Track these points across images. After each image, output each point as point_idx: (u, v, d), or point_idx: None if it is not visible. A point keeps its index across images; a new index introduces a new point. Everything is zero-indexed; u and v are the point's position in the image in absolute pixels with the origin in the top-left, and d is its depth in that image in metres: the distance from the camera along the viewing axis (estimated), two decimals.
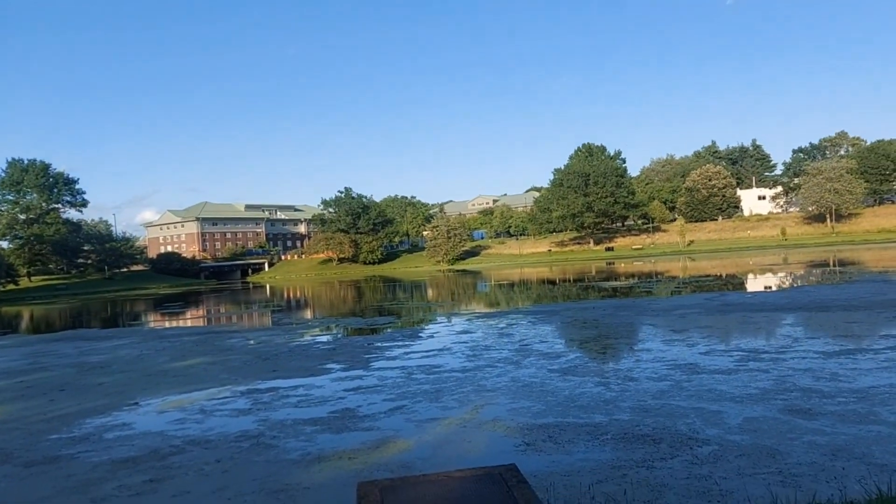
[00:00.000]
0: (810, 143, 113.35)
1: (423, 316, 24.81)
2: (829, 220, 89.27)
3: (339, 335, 19.84)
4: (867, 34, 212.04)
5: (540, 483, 5.88)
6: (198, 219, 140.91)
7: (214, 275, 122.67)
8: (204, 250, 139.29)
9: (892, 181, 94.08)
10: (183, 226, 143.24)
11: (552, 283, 44.02)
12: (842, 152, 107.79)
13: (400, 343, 16.55)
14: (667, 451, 6.66)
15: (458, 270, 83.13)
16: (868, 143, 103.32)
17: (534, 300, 30.06)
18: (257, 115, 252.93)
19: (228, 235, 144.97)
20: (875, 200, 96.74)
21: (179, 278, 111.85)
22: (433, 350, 14.88)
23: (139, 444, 8.47)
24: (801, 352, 11.52)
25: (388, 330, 20.35)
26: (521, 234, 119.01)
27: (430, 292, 43.67)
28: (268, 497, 6.27)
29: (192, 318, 33.76)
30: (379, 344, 16.65)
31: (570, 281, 43.92)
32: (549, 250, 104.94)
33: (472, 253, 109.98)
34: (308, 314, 32.16)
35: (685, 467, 6.14)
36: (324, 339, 19.02)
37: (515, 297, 33.57)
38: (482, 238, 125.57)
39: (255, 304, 45.17)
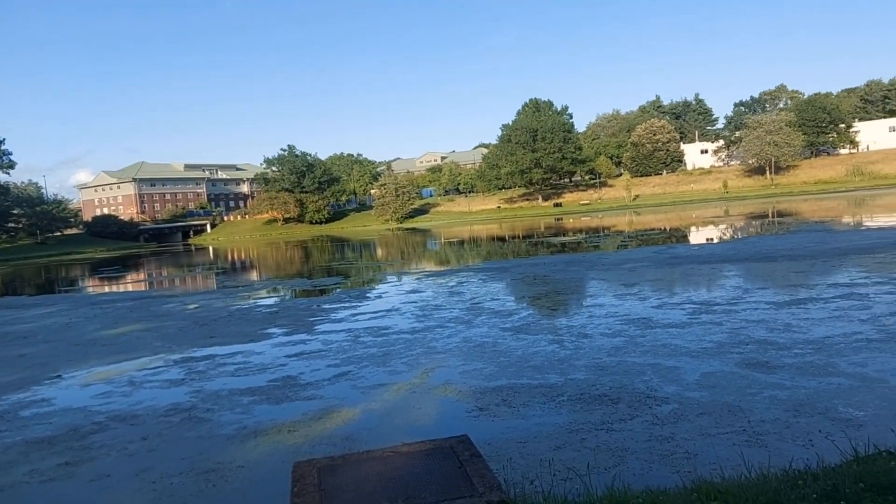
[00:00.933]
0: (751, 96, 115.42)
1: (372, 276, 24.21)
2: (768, 173, 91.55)
3: (283, 297, 19.11)
4: None
5: (495, 453, 5.48)
6: (135, 179, 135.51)
7: (154, 237, 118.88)
8: (142, 212, 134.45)
9: (829, 133, 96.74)
10: (119, 187, 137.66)
11: (502, 239, 43.84)
12: (781, 105, 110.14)
13: (346, 304, 15.96)
14: (626, 411, 6.34)
15: (407, 229, 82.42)
16: (806, 97, 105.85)
17: (484, 257, 29.76)
18: (196, 73, 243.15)
19: (168, 196, 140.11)
20: (812, 153, 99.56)
21: (117, 241, 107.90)
22: (381, 311, 14.36)
23: (58, 422, 7.74)
24: (752, 303, 11.44)
25: (335, 291, 19.71)
26: (469, 192, 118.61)
27: (378, 251, 42.99)
28: (196, 478, 5.70)
29: (128, 283, 32.31)
30: (324, 306, 16.03)
31: (519, 237, 43.83)
32: (498, 207, 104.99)
33: (421, 211, 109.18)
34: (251, 276, 31.14)
35: (646, 428, 5.83)
36: (267, 301, 18.27)
37: (465, 254, 33.23)
38: (431, 196, 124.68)
39: (196, 266, 43.67)
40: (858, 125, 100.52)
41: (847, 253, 17.27)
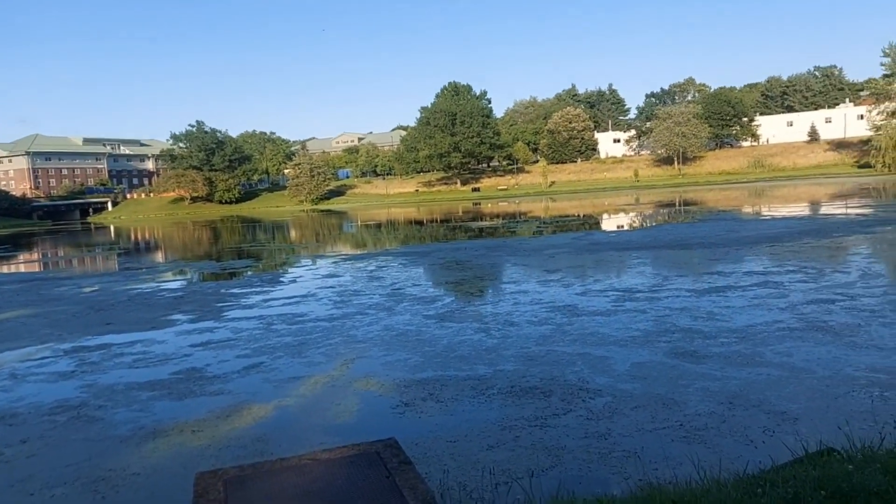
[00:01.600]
0: (661, 88, 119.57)
1: (285, 259, 23.25)
2: (676, 163, 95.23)
3: (189, 281, 17.98)
4: None
5: (423, 454, 5.04)
6: (28, 153, 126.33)
7: (49, 215, 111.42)
8: (37, 188, 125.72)
9: (732, 126, 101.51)
10: (10, 161, 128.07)
11: (420, 223, 43.43)
12: (689, 98, 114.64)
13: (258, 289, 15.11)
14: (558, 405, 6.04)
15: (322, 210, 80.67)
16: (712, 90, 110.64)
17: (403, 241, 29.25)
18: (99, 42, 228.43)
19: (65, 172, 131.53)
20: (716, 144, 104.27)
21: (8, 219, 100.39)
22: (296, 296, 13.63)
23: None
24: (673, 290, 11.49)
25: (246, 274, 18.72)
26: (387, 174, 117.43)
27: (292, 233, 41.67)
28: (83, 490, 4.98)
29: (16, 264, 29.83)
30: (234, 290, 15.11)
31: (438, 221, 43.54)
32: (417, 190, 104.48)
33: (338, 192, 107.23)
34: (155, 258, 29.40)
35: (581, 424, 5.53)
36: (171, 285, 17.11)
37: (384, 238, 32.60)
38: (348, 177, 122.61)
39: (95, 246, 41.00)
40: (760, 119, 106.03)
41: (757, 241, 17.85)
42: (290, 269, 19.45)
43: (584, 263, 15.91)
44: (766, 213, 28.67)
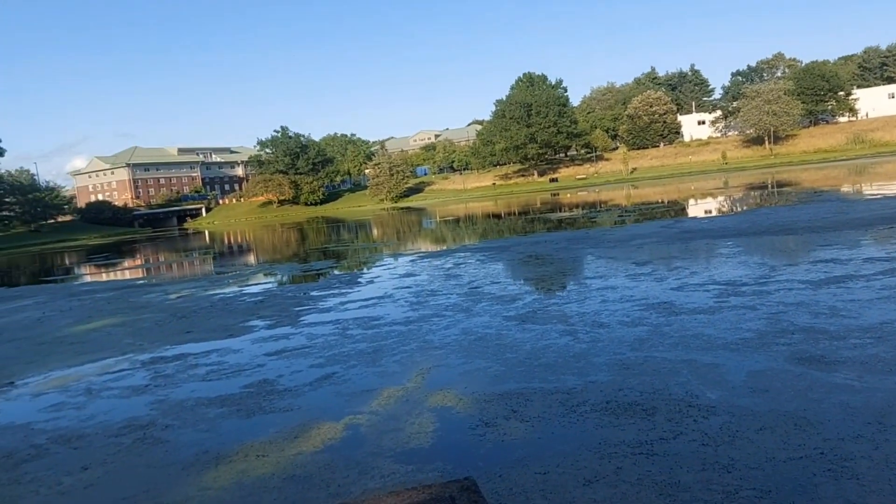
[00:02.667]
0: (748, 65, 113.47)
1: (364, 258, 23.03)
2: (767, 143, 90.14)
3: (271, 284, 17.93)
4: None
5: (508, 490, 4.33)
6: (128, 165, 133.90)
7: (149, 222, 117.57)
8: (137, 197, 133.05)
9: (827, 102, 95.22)
10: (113, 173, 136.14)
11: (498, 216, 42.62)
12: (778, 74, 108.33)
13: (336, 291, 14.79)
14: (665, 426, 5.20)
15: (402, 208, 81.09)
16: (804, 64, 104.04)
17: (481, 236, 28.57)
18: (189, 56, 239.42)
19: (162, 181, 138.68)
20: (810, 121, 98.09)
21: (111, 228, 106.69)
22: (373, 298, 13.19)
23: None
24: (783, 282, 10.28)
25: (326, 276, 18.53)
26: (464, 169, 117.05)
27: (372, 232, 41.79)
28: None
29: (116, 271, 31.07)
30: (313, 293, 14.85)
31: (516, 214, 42.61)
32: (494, 184, 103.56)
33: (416, 190, 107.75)
34: (242, 261, 29.93)
35: (695, 451, 4.68)
36: (253, 289, 17.09)
37: (461, 233, 32.03)
38: (425, 174, 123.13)
39: (188, 251, 42.45)
40: (857, 92, 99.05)
41: (872, 223, 16.11)
42: (367, 269, 19.14)
43: (676, 254, 14.74)
44: (874, 192, 26.21)
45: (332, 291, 14.79)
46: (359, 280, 16.45)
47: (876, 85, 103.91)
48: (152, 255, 42.68)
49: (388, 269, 18.39)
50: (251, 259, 30.84)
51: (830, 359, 6.37)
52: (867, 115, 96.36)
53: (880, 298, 8.53)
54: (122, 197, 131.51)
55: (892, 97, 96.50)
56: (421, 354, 8.33)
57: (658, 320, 8.72)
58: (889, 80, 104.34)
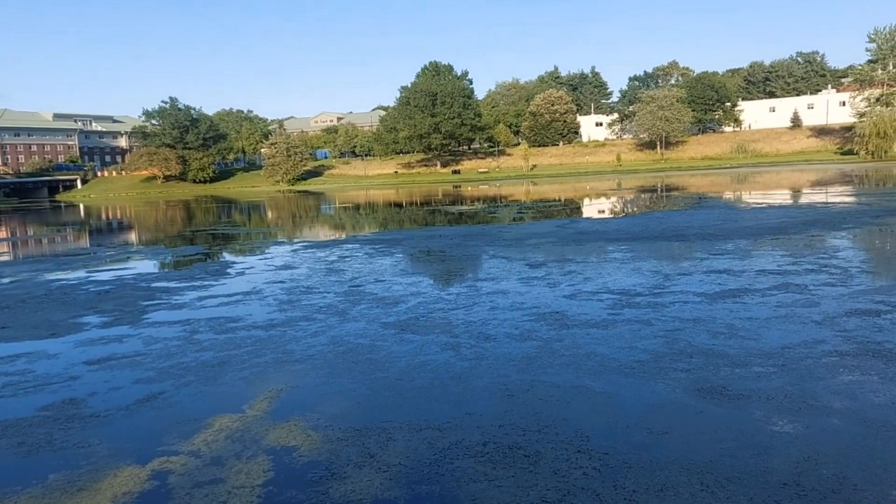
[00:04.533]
0: (644, 71, 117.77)
1: (243, 244, 21.19)
2: (659, 147, 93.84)
3: (127, 270, 15.86)
4: None
5: None
6: None
7: (15, 192, 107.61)
8: (4, 164, 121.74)
9: (715, 111, 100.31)
10: None
11: (398, 206, 41.40)
12: (672, 81, 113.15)
13: (198, 283, 13.11)
14: (550, 481, 4.21)
15: (298, 191, 78.22)
16: (695, 74, 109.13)
17: (375, 226, 27.27)
18: (71, 12, 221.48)
19: (34, 148, 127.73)
20: (699, 129, 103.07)
21: None
22: (238, 294, 11.67)
23: None
24: (678, 294, 9.71)
25: (193, 263, 16.67)
26: (366, 155, 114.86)
27: (261, 215, 39.49)
28: None
29: None
30: (170, 284, 13.10)
31: (416, 204, 41.55)
32: (396, 172, 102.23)
33: (315, 173, 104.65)
34: (109, 240, 27.08)
35: None
36: (104, 275, 15.02)
37: (355, 221, 30.58)
38: (326, 157, 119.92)
39: (52, 226, 38.47)
40: (742, 104, 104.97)
41: (760, 233, 16.16)
42: (242, 258, 17.42)
43: (571, 256, 14.10)
44: (759, 201, 27.06)
45: (192, 283, 13.10)
46: (228, 270, 14.79)
47: (759, 98, 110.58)
48: (6, 229, 38.37)
49: (266, 258, 16.78)
50: (119, 239, 28.04)
51: (734, 391, 5.63)
52: (750, 126, 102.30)
53: (777, 318, 8.02)
54: None
55: (773, 111, 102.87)
56: (275, 370, 7.03)
57: (549, 334, 7.83)
58: (771, 95, 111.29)
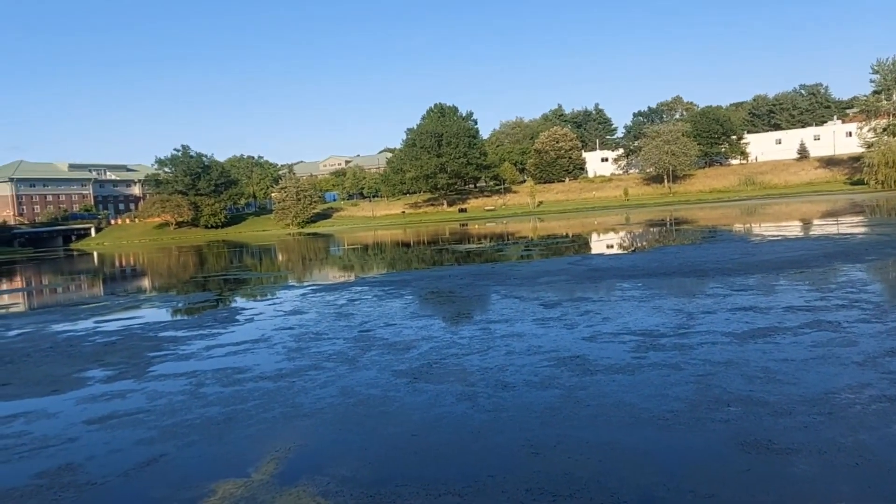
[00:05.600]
0: (648, 106, 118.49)
1: (252, 289, 20.91)
2: (666, 181, 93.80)
3: (135, 319, 15.55)
4: (699, 5, 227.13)
5: None
6: (11, 179, 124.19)
7: (31, 241, 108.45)
8: (20, 214, 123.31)
9: (721, 144, 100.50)
10: None
11: (406, 246, 41.21)
12: (677, 116, 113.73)
13: (206, 331, 12.78)
14: None
15: (308, 234, 78.40)
16: (700, 108, 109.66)
17: (384, 267, 26.98)
18: (86, 67, 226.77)
19: (50, 198, 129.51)
20: (706, 162, 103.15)
21: None
22: (246, 342, 11.31)
23: None
24: (705, 334, 9.28)
25: (202, 310, 16.37)
26: (374, 196, 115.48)
27: (272, 258, 39.32)
28: None
29: None
30: (178, 333, 12.77)
31: (423, 243, 41.34)
32: (403, 212, 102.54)
33: (324, 215, 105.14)
34: (120, 287, 26.88)
35: None
36: (111, 325, 14.72)
37: (364, 263, 30.32)
38: (334, 200, 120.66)
39: (65, 275, 38.44)
40: (748, 137, 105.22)
41: (780, 267, 15.72)
42: (251, 303, 17.11)
43: (587, 295, 13.70)
44: (773, 233, 26.64)
45: (201, 332, 12.76)
46: (236, 317, 14.46)
47: (764, 131, 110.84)
48: (20, 279, 38.34)
49: (275, 304, 16.46)
50: (131, 286, 27.85)
51: (781, 445, 5.19)
52: (756, 158, 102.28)
53: (815, 359, 7.57)
54: (3, 213, 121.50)
55: (779, 143, 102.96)
56: (284, 426, 6.63)
57: (571, 381, 7.41)
58: (776, 127, 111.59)
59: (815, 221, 33.15)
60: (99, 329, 14.26)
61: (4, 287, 31.65)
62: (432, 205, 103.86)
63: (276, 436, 6.33)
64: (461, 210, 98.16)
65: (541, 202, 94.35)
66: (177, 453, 6.07)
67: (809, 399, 6.20)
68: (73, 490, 5.37)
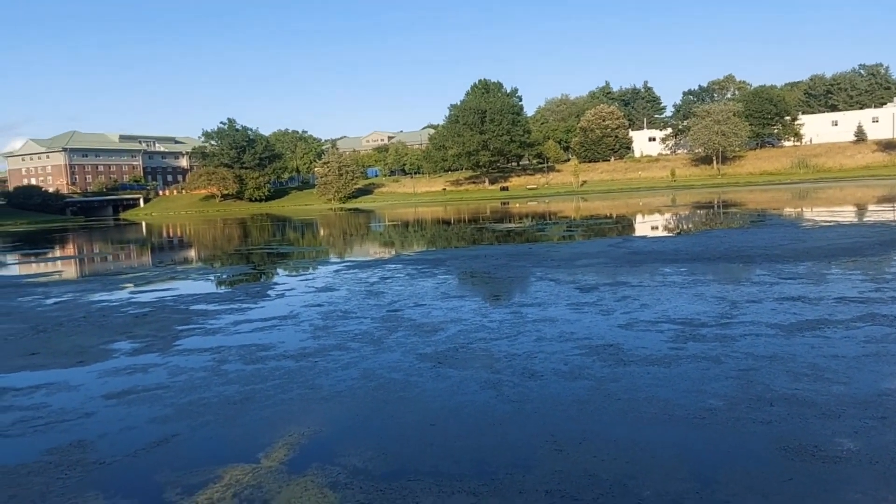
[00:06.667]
0: (699, 85, 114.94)
1: (288, 264, 20.92)
2: (715, 162, 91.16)
3: (169, 291, 15.62)
4: None
5: None
6: (65, 149, 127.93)
7: (82, 210, 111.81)
8: (73, 184, 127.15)
9: (774, 125, 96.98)
10: (48, 157, 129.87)
11: (444, 223, 40.93)
12: (728, 95, 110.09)
13: (237, 305, 12.72)
14: None
15: (349, 209, 78.77)
16: (753, 88, 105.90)
17: (420, 244, 26.75)
18: (138, 40, 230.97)
19: (101, 168, 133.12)
20: (757, 144, 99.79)
21: (41, 214, 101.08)
22: (273, 318, 11.19)
23: None
24: (749, 325, 8.75)
25: (236, 284, 16.39)
26: (416, 173, 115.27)
27: (312, 233, 39.50)
28: None
29: (16, 264, 28.03)
30: (209, 307, 12.73)
31: (462, 221, 40.99)
32: (444, 189, 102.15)
33: (366, 191, 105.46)
34: (162, 258, 27.29)
35: None
36: (146, 296, 14.81)
37: (401, 239, 30.15)
38: (376, 176, 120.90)
39: (113, 244, 39.33)
40: (803, 118, 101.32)
41: (832, 254, 14.92)
42: (284, 278, 17.08)
43: (625, 279, 13.19)
44: (826, 219, 25.46)
45: (231, 306, 12.70)
46: (268, 292, 14.38)
47: (820, 112, 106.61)
48: (70, 247, 39.37)
49: (307, 279, 16.37)
50: (173, 257, 28.26)
51: (828, 452, 4.73)
52: (811, 140, 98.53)
53: (868, 356, 7.02)
54: (56, 182, 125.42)
55: (836, 125, 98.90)
56: (300, 408, 6.43)
57: (602, 372, 7.02)
58: (833, 108, 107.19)
59: (871, 207, 31.65)
60: (133, 300, 14.36)
61: (56, 254, 32.49)
62: (474, 182, 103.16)
63: (291, 419, 6.12)
64: (503, 188, 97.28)
65: (584, 182, 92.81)
66: (189, 434, 5.91)
67: (861, 401, 5.69)
68: (80, 469, 5.24)
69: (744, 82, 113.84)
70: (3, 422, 6.52)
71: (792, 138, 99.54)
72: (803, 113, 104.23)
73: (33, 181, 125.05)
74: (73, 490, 4.85)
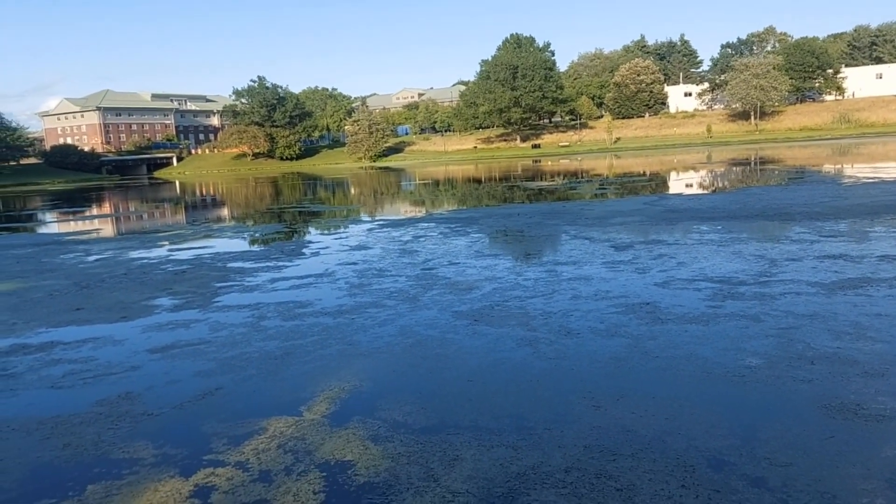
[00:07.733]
0: (738, 38, 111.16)
1: (321, 222, 21.08)
2: (752, 118, 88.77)
3: (207, 249, 15.90)
4: None
5: None
6: (99, 108, 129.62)
7: (117, 169, 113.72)
8: (107, 143, 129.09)
9: (815, 79, 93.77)
10: (83, 116, 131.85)
11: (476, 181, 40.72)
12: (768, 48, 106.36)
13: (273, 263, 12.90)
14: None
15: (379, 167, 78.76)
16: (794, 40, 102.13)
17: (452, 203, 26.69)
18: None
19: (134, 127, 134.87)
20: (797, 98, 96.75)
21: (77, 173, 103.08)
22: (310, 276, 11.33)
23: None
24: (788, 283, 8.61)
25: (272, 242, 16.61)
26: (446, 130, 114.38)
27: (343, 192, 39.68)
28: None
29: (57, 222, 28.74)
30: (244, 264, 12.95)
31: (495, 180, 40.73)
32: (475, 147, 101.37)
33: (396, 149, 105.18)
34: (198, 216, 27.73)
35: None
36: (184, 254, 15.11)
37: (433, 199, 30.12)
38: (406, 133, 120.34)
39: (148, 202, 40.02)
40: (846, 71, 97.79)
41: (876, 211, 14.52)
42: (318, 237, 17.25)
43: (661, 237, 13.03)
44: (869, 175, 24.72)
45: (268, 263, 12.90)
46: (303, 251, 14.55)
47: (864, 64, 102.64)
48: (108, 205, 40.19)
49: (341, 238, 16.50)
50: (208, 215, 28.69)
51: (871, 411, 4.68)
52: (854, 94, 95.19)
53: None
54: (91, 141, 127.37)
55: (880, 77, 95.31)
56: (339, 363, 6.54)
57: (639, 330, 7.00)
58: (878, 61, 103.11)
59: None
60: (171, 257, 14.65)
61: (94, 213, 33.19)
62: (505, 140, 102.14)
63: (331, 374, 6.24)
64: (534, 146, 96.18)
65: (618, 138, 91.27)
66: (233, 387, 6.07)
67: None
68: (128, 420, 5.43)
69: (785, 34, 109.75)
70: (54, 374, 6.77)
71: (834, 92, 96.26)
72: (846, 66, 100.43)
73: (69, 140, 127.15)
74: (124, 440, 5.03)
